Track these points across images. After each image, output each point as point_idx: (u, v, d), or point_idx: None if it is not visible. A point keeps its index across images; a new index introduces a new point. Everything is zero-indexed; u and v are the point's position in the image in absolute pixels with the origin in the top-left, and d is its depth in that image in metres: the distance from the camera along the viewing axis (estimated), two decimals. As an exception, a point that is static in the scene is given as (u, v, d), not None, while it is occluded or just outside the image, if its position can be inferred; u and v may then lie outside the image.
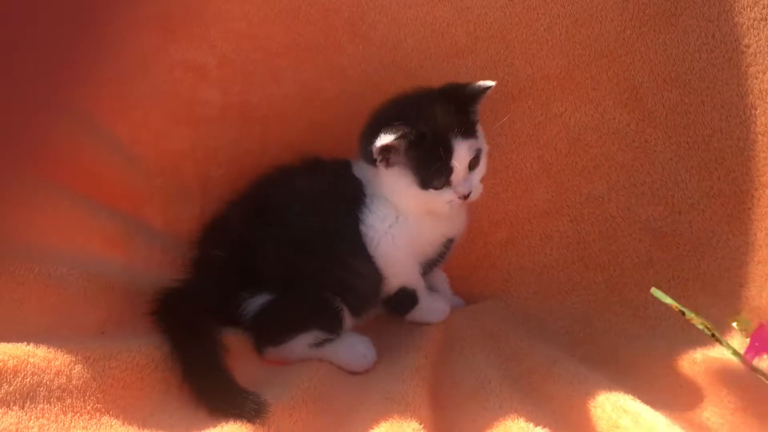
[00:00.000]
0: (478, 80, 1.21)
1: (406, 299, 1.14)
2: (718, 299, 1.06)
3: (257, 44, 1.24)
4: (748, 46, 1.12)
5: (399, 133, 0.98)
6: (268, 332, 1.04)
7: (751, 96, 1.12)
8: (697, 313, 0.88)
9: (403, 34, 1.25)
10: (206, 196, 1.24)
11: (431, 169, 1.01)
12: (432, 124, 1.01)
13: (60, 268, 0.95)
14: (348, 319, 1.06)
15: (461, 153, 1.01)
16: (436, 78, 1.25)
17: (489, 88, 1.05)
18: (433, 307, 1.18)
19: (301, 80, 1.26)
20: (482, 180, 1.08)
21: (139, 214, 1.17)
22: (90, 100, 1.16)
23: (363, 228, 1.07)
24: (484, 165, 1.07)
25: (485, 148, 1.07)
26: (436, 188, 1.03)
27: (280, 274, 1.04)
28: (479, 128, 1.08)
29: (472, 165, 1.04)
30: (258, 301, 1.03)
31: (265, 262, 1.04)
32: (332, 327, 1.04)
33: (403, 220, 1.08)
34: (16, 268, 0.91)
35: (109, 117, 1.16)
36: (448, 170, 1.02)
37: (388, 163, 1.04)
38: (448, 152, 1.01)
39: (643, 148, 1.20)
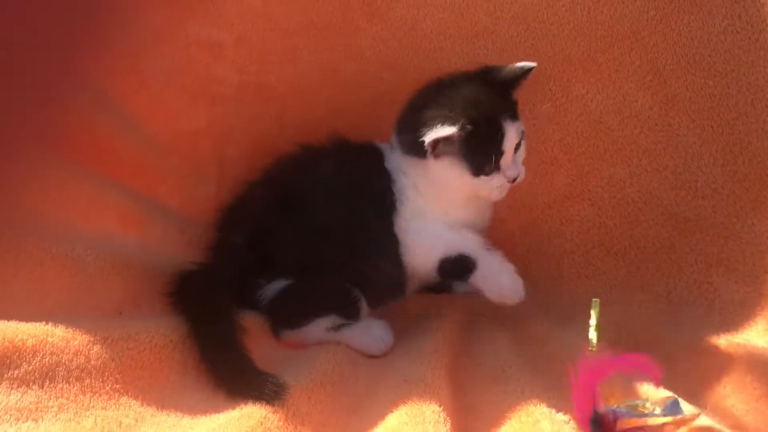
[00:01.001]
0: (499, 62, 1.18)
1: (453, 268, 1.06)
2: (741, 285, 1.04)
3: (273, 23, 1.22)
4: (775, 28, 1.10)
5: (460, 124, 0.94)
6: (286, 316, 1.03)
7: (777, 78, 1.10)
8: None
9: (422, 14, 1.23)
10: (222, 175, 1.23)
11: (484, 156, 0.99)
12: (482, 109, 0.98)
13: (77, 248, 0.95)
14: (365, 308, 1.05)
15: (511, 136, 0.99)
16: (456, 59, 1.24)
17: (531, 69, 1.02)
18: (503, 279, 1.03)
19: (318, 60, 1.24)
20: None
21: (154, 194, 1.16)
22: (103, 76, 1.15)
23: (395, 228, 1.05)
24: (525, 147, 1.05)
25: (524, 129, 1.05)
26: (486, 174, 1.00)
27: (299, 261, 1.03)
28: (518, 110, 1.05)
29: (517, 147, 1.02)
30: (275, 287, 1.03)
31: (285, 249, 1.03)
32: (350, 314, 1.03)
33: (432, 218, 1.06)
34: (34, 248, 0.91)
35: (122, 94, 1.15)
36: (499, 155, 0.99)
37: (438, 154, 1.00)
38: (501, 137, 0.98)
39: (666, 131, 1.18)
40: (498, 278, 1.03)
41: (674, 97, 1.17)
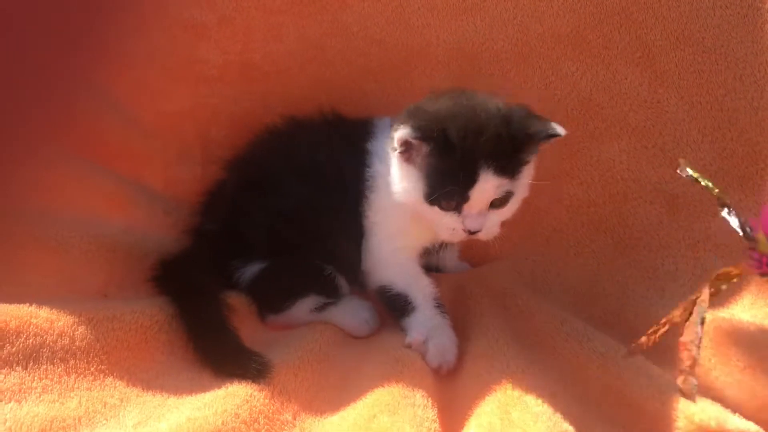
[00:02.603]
0: (486, 38, 1.17)
1: (391, 301, 1.01)
2: (729, 260, 1.03)
3: (257, 1, 1.20)
4: (763, 2, 1.09)
5: (419, 134, 0.86)
6: (268, 300, 1.02)
7: (766, 54, 1.09)
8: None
9: (410, -10, 1.22)
10: (207, 156, 1.22)
11: (444, 188, 0.89)
12: (469, 142, 0.87)
13: (61, 231, 0.94)
14: (344, 284, 1.05)
15: (484, 188, 0.88)
16: (444, 36, 1.22)
17: (553, 136, 0.89)
18: (436, 337, 0.94)
19: (303, 37, 1.22)
20: (503, 224, 0.96)
21: (139, 176, 1.15)
22: (87, 60, 1.13)
23: (364, 221, 1.03)
24: (512, 209, 0.95)
25: (523, 192, 0.95)
26: (441, 208, 0.91)
27: (271, 244, 1.02)
28: (526, 170, 0.93)
29: (497, 204, 0.92)
30: (251, 269, 1.02)
31: (257, 231, 1.02)
32: (329, 291, 1.03)
33: (400, 211, 0.99)
34: (18, 231, 0.91)
35: (106, 76, 1.13)
36: (464, 197, 0.89)
37: (408, 159, 0.92)
38: (470, 180, 0.88)
39: (655, 108, 1.17)
40: (431, 334, 0.94)
41: (663, 74, 1.17)
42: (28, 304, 0.80)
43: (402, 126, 0.88)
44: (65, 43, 1.11)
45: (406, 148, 0.90)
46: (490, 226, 0.93)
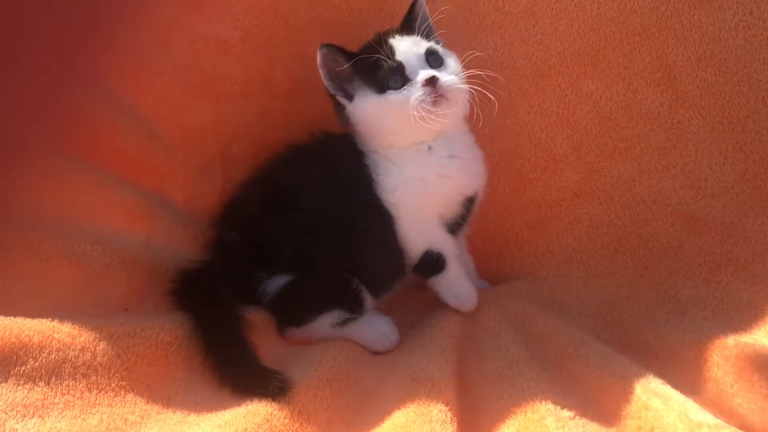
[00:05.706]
0: (507, 58, 1.18)
1: (431, 263, 1.09)
2: (750, 284, 1.03)
3: (281, 19, 1.21)
4: (787, 24, 1.09)
5: (327, 48, 1.02)
6: (291, 313, 1.02)
7: (789, 76, 1.09)
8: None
9: (429, 9, 1.22)
10: (228, 171, 1.23)
11: (379, 71, 1.02)
12: (372, 38, 1.07)
13: (83, 244, 0.95)
14: (368, 299, 1.05)
15: (403, 47, 1.03)
16: (463, 53, 1.22)
17: None
18: (463, 287, 1.11)
19: (324, 56, 1.23)
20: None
21: (160, 190, 1.16)
22: (111, 73, 1.14)
23: (385, 204, 1.05)
24: (455, 63, 1.07)
25: (454, 63, 1.07)
26: (394, 88, 1.02)
27: (297, 258, 1.02)
28: (432, 32, 1.11)
29: (433, 63, 1.05)
30: (277, 282, 1.02)
31: (281, 247, 1.03)
32: (353, 307, 1.03)
33: (411, 180, 1.05)
34: (40, 244, 0.91)
35: (130, 91, 1.14)
36: (398, 66, 1.02)
37: (348, 97, 1.06)
38: (391, 51, 1.02)
39: (676, 129, 1.17)
40: (459, 285, 1.11)
41: (684, 95, 1.17)
42: (50, 319, 0.80)
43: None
44: (90, 58, 1.12)
45: (338, 84, 1.05)
46: (446, 77, 1.02)
